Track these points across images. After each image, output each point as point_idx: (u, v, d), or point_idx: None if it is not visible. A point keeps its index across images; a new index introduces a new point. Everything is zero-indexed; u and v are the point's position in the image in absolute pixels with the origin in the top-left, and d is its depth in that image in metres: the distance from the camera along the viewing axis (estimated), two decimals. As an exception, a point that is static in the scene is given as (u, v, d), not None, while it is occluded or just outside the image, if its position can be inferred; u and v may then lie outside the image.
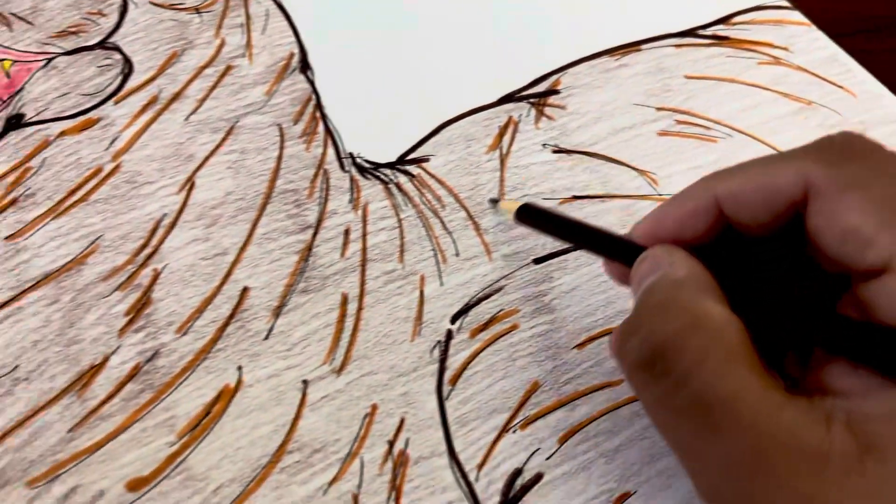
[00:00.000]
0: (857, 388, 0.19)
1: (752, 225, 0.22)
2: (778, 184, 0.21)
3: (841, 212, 0.20)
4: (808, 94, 0.40)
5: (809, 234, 0.21)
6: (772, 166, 0.22)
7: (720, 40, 0.42)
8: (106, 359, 0.29)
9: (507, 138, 0.37)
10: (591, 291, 0.33)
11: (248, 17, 0.39)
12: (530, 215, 0.30)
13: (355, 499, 0.28)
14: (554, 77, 0.40)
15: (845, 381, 0.20)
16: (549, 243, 0.34)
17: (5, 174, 0.32)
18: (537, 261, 0.34)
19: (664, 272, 0.22)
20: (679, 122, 0.39)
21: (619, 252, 0.25)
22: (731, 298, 0.21)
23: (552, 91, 0.39)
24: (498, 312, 0.32)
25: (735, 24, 0.43)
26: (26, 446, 0.27)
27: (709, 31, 0.42)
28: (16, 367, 0.28)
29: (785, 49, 0.42)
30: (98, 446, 0.27)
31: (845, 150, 0.21)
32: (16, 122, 0.34)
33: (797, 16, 0.43)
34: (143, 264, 0.31)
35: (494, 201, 0.34)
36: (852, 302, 0.21)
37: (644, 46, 0.41)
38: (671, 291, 0.21)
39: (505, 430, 0.30)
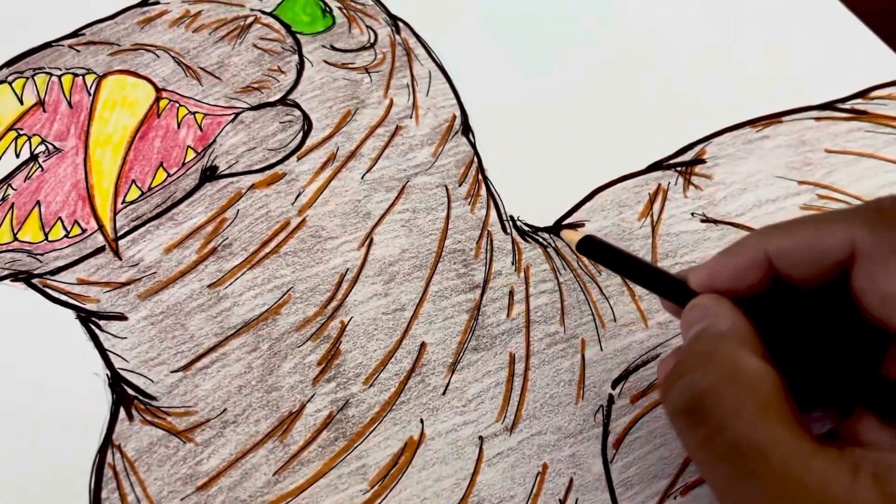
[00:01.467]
0: (886, 441, 0.21)
1: (801, 279, 0.24)
2: (826, 244, 0.23)
3: (884, 277, 0.22)
4: (952, 175, 0.41)
5: (854, 292, 0.23)
6: (822, 227, 0.24)
7: (859, 114, 0.43)
8: (303, 406, 0.31)
9: (657, 206, 0.39)
10: (743, 363, 0.35)
11: (412, 77, 0.41)
12: (592, 248, 0.32)
13: (532, 554, 0.30)
14: (699, 146, 0.41)
15: (876, 434, 0.22)
16: (702, 314, 0.36)
17: (204, 224, 0.35)
18: (691, 330, 0.35)
19: (709, 323, 0.24)
20: (821, 197, 0.40)
21: (673, 293, 0.28)
22: (773, 350, 0.23)
23: (698, 160, 0.41)
24: (655, 380, 0.34)
25: (873, 98, 0.44)
26: (237, 487, 0.30)
27: (847, 105, 0.44)
28: (224, 409, 0.31)
29: (923, 126, 0.43)
30: (300, 489, 0.30)
31: (893, 215, 0.22)
32: (210, 173, 0.36)
33: (934, 92, 0.44)
34: (332, 316, 0.33)
35: (559, 229, 0.36)
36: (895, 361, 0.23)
37: (785, 118, 0.43)
38: (713, 344, 0.23)
39: (666, 495, 0.32)
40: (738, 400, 0.21)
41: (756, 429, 0.21)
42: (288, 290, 0.34)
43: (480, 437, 0.32)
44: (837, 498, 0.20)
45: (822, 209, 0.40)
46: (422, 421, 0.32)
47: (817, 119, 0.43)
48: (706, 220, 0.39)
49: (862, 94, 0.44)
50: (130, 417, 0.30)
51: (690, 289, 0.27)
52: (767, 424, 0.21)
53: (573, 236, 0.33)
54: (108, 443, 0.30)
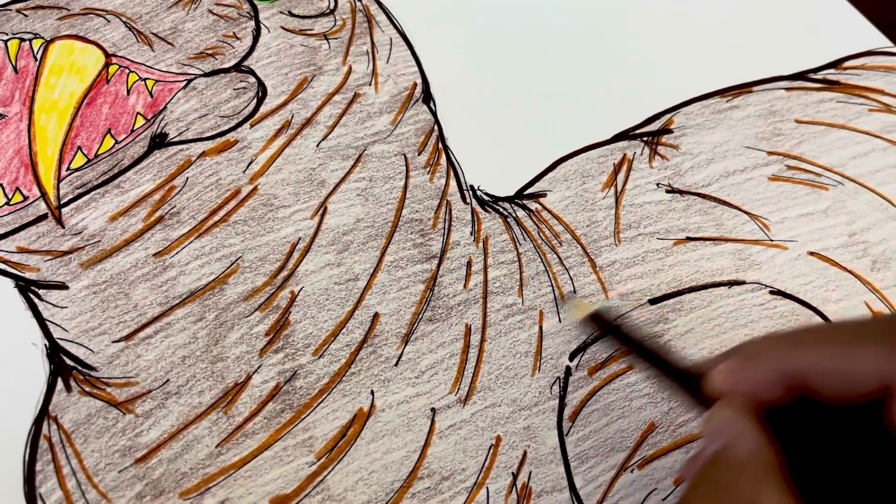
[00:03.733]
0: None
1: (830, 400, 0.22)
2: (859, 373, 0.21)
3: None
4: (923, 146, 0.40)
5: (888, 421, 0.21)
6: (854, 349, 0.22)
7: (831, 85, 0.42)
8: (249, 377, 0.31)
9: (621, 176, 0.38)
10: (706, 334, 0.34)
11: (373, 45, 0.40)
12: (602, 324, 0.30)
13: (482, 527, 0.29)
14: (667, 116, 0.40)
15: None
16: (664, 284, 0.35)
17: (152, 192, 0.34)
18: (653, 301, 0.35)
19: (728, 445, 0.22)
20: (790, 168, 0.39)
21: (692, 390, 0.25)
22: (797, 475, 0.21)
23: (665, 130, 0.40)
24: (615, 352, 0.33)
25: (846, 68, 0.43)
26: (178, 458, 0.29)
27: (819, 75, 0.43)
28: (167, 381, 0.30)
29: (895, 97, 0.42)
30: (244, 462, 0.29)
31: None
32: (160, 140, 0.35)
33: (908, 63, 0.44)
34: (281, 286, 0.33)
35: (564, 299, 0.34)
36: None
37: (755, 88, 0.42)
38: (731, 476, 0.22)
39: (623, 468, 0.31)
40: None
41: None
42: (237, 260, 0.33)
43: (433, 409, 0.31)
44: None
45: (790, 180, 0.39)
46: (372, 392, 0.31)
47: (788, 89, 0.42)
48: (672, 190, 0.38)
49: (834, 65, 0.43)
50: (68, 388, 0.29)
51: (707, 391, 0.24)
52: None
53: (580, 313, 0.31)
54: (44, 414, 0.29)
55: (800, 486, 0.21)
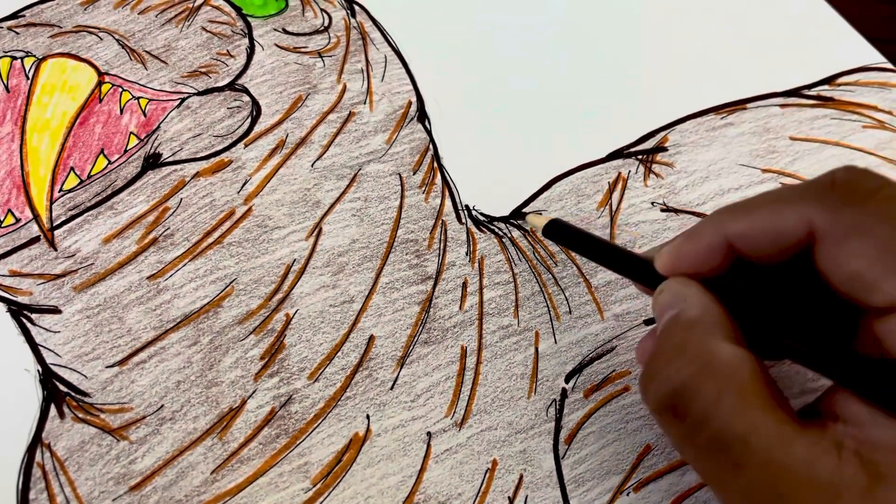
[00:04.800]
0: (865, 416, 0.21)
1: (762, 259, 0.24)
2: (784, 227, 0.23)
3: (844, 257, 0.21)
4: (916, 164, 0.40)
5: (819, 270, 0.23)
6: (777, 208, 0.23)
7: (825, 101, 0.42)
8: (244, 402, 0.30)
9: (616, 195, 0.38)
10: (701, 356, 0.34)
11: (367, 62, 0.40)
12: (558, 231, 0.31)
13: (478, 553, 0.29)
14: (661, 134, 0.40)
15: (854, 409, 0.21)
16: (659, 305, 0.35)
17: (145, 213, 0.34)
18: (648, 322, 0.35)
19: (679, 311, 0.24)
20: (784, 186, 0.39)
21: (640, 275, 0.27)
22: (745, 330, 0.23)
23: (660, 148, 0.40)
24: (611, 373, 0.33)
25: (840, 84, 0.43)
26: (173, 486, 0.29)
27: (813, 92, 0.43)
28: (161, 406, 0.30)
29: (890, 113, 0.42)
30: (239, 489, 0.29)
31: (847, 192, 0.22)
32: (153, 161, 0.35)
33: (902, 79, 0.44)
34: (276, 309, 0.32)
35: (523, 215, 0.36)
36: (868, 334, 0.22)
37: (749, 105, 0.42)
38: (684, 334, 0.23)
39: (619, 491, 0.31)
40: (716, 390, 0.21)
41: (736, 418, 0.21)
42: (231, 282, 0.33)
43: (429, 433, 0.31)
44: (824, 480, 0.19)
45: (785, 198, 0.39)
46: (368, 417, 0.31)
47: (782, 106, 0.42)
48: (666, 209, 0.38)
49: (828, 81, 0.43)
50: (62, 415, 0.29)
51: (657, 272, 0.26)
52: (748, 412, 0.21)
53: (539, 221, 0.33)
54: (37, 441, 0.29)
55: (747, 340, 0.23)
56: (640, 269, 0.27)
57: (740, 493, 0.21)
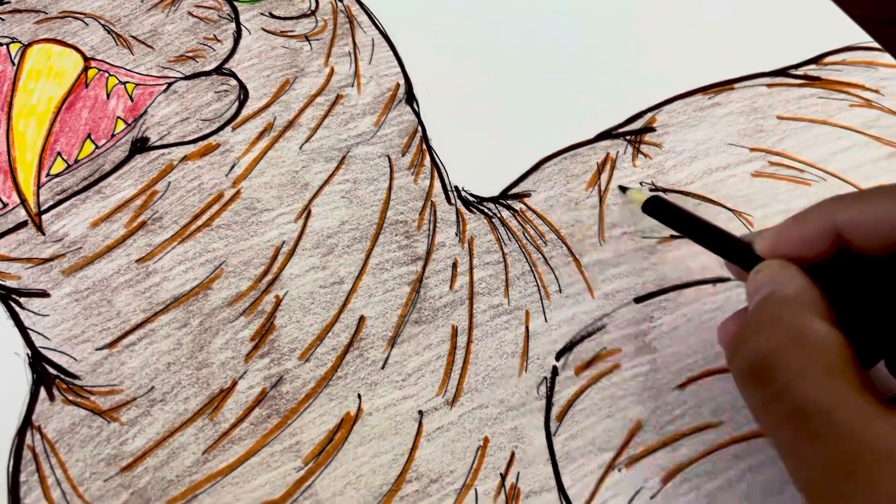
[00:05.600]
0: None
1: (869, 249, 0.24)
2: (893, 223, 0.23)
3: None
4: (903, 140, 0.40)
5: None
6: (892, 199, 0.23)
7: (812, 80, 0.43)
8: (234, 383, 0.30)
9: (605, 175, 0.38)
10: (691, 332, 0.34)
11: (354, 45, 0.40)
12: (658, 208, 0.31)
13: (471, 529, 0.29)
14: (650, 114, 0.40)
15: None
16: (649, 282, 0.35)
17: (134, 197, 0.34)
18: (638, 300, 0.35)
19: (776, 288, 0.24)
20: (772, 164, 0.39)
21: (738, 257, 0.27)
22: (840, 316, 0.23)
23: (648, 128, 0.40)
24: (601, 351, 0.33)
25: (826, 64, 0.43)
26: (164, 466, 0.29)
27: (800, 71, 0.43)
28: (152, 388, 0.30)
29: (876, 92, 0.42)
30: (231, 469, 0.29)
31: None
32: (141, 145, 0.35)
33: (888, 58, 0.44)
34: (266, 290, 0.32)
35: (623, 189, 0.36)
36: None
37: (737, 85, 0.42)
38: (779, 308, 0.23)
39: (610, 468, 0.31)
40: (804, 362, 0.21)
41: (821, 390, 0.21)
42: (220, 265, 0.33)
43: (420, 412, 0.31)
44: None
45: (773, 176, 0.39)
46: (359, 396, 0.31)
47: (769, 86, 0.42)
48: (655, 188, 0.38)
49: (815, 60, 0.43)
50: (52, 397, 0.29)
51: (756, 253, 0.26)
52: (833, 386, 0.21)
53: (639, 196, 0.32)
54: (27, 424, 0.29)
55: (843, 329, 0.23)
56: (739, 251, 0.27)
57: (815, 465, 0.21)
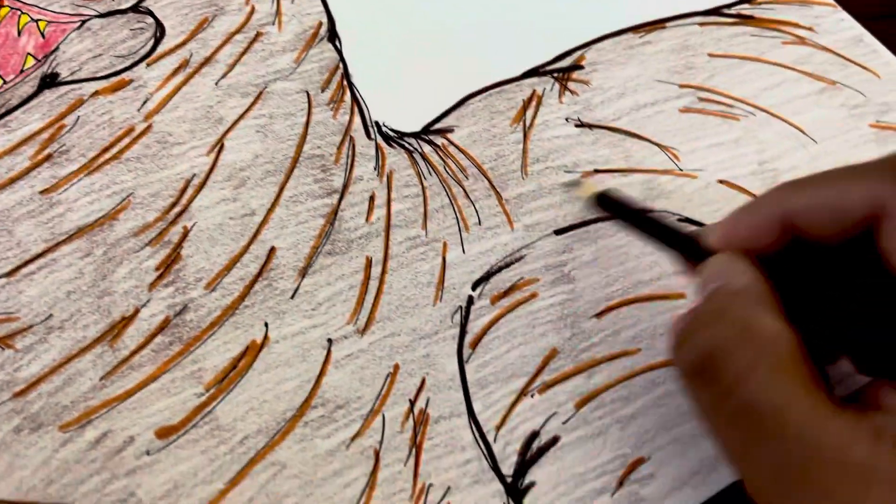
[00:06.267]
0: None
1: (822, 237, 0.23)
2: (849, 203, 0.22)
3: None
4: (832, 74, 0.40)
5: (881, 250, 0.22)
6: (843, 184, 0.22)
7: (745, 19, 0.42)
8: (137, 311, 0.30)
9: (530, 112, 0.38)
10: (611, 263, 0.34)
11: (277, -16, 0.39)
12: (608, 203, 0.30)
13: (377, 454, 0.29)
14: (578, 53, 0.40)
15: None
16: (569, 215, 0.35)
17: (40, 131, 0.33)
18: (558, 232, 0.34)
19: (724, 282, 0.23)
20: (702, 100, 0.39)
21: (688, 251, 0.26)
22: (790, 309, 0.22)
23: (576, 66, 0.39)
24: (518, 281, 0.33)
25: (760, 3, 0.43)
26: (59, 392, 0.28)
27: (733, 10, 0.43)
28: (49, 315, 0.29)
29: (810, 29, 0.42)
30: (129, 394, 0.28)
31: None
32: (50, 80, 0.34)
33: (823, -3, 0.43)
34: (173, 222, 0.32)
35: (571, 184, 0.34)
36: None
37: (668, 24, 0.42)
38: (726, 301, 0.22)
39: (523, 393, 0.30)
40: (752, 358, 0.20)
41: (771, 388, 0.20)
42: (128, 196, 0.32)
43: (329, 340, 0.31)
44: (857, 462, 0.19)
45: (702, 111, 0.39)
46: (266, 325, 0.30)
47: (702, 24, 0.42)
48: (581, 124, 0.38)
49: (748, 0, 0.43)
50: (-55, 325, 0.29)
51: (706, 247, 0.25)
52: (783, 384, 0.20)
53: (589, 189, 0.31)
54: (-82, 351, 0.28)
55: (794, 322, 0.22)
56: (688, 246, 0.26)
57: (764, 466, 0.20)
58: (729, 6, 0.43)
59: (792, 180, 0.24)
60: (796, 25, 0.42)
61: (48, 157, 0.32)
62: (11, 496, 0.26)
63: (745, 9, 0.43)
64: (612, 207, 0.30)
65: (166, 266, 0.31)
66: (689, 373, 0.22)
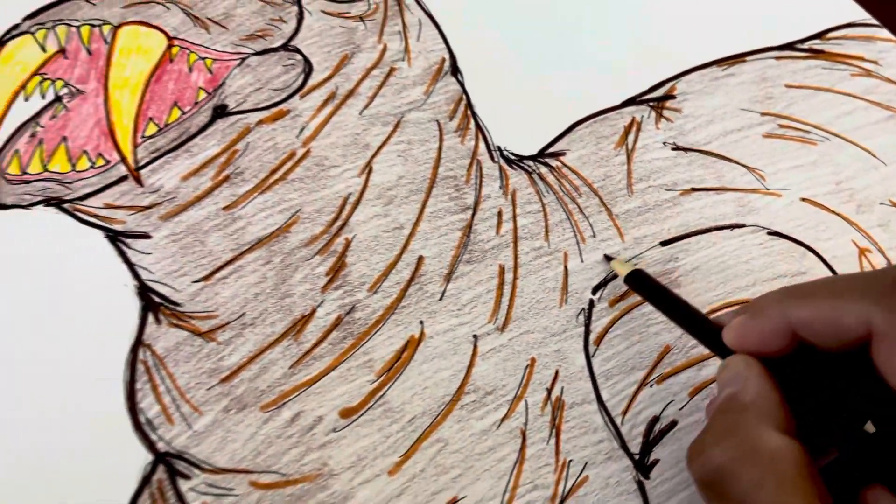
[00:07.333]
0: None
1: (825, 346, 0.25)
2: (844, 321, 0.24)
3: None
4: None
5: (874, 363, 0.24)
6: (839, 301, 0.25)
7: (816, 53, 0.47)
8: (313, 310, 0.35)
9: (631, 136, 0.42)
10: (711, 271, 0.38)
11: (404, 25, 0.44)
12: (638, 283, 0.34)
13: (523, 434, 0.33)
14: (670, 83, 0.45)
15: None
16: (674, 228, 0.39)
17: (217, 155, 0.38)
18: (664, 243, 0.39)
19: (736, 391, 0.25)
20: (782, 126, 0.44)
21: (709, 342, 0.29)
22: (802, 413, 0.25)
23: (669, 96, 0.44)
24: (632, 286, 0.37)
25: (829, 39, 0.48)
26: (257, 378, 0.33)
27: (806, 45, 0.47)
28: (242, 314, 0.34)
29: (875, 62, 0.47)
30: (314, 381, 0.33)
31: None
32: (221, 111, 0.40)
33: (885, 33, 0.48)
34: (336, 234, 0.37)
35: (608, 258, 0.38)
36: None
37: (748, 58, 0.46)
38: (735, 417, 0.24)
39: (643, 383, 0.35)
40: (758, 477, 0.22)
41: None
42: (296, 212, 0.37)
43: (475, 336, 0.35)
44: None
45: (782, 136, 0.43)
46: (421, 322, 0.35)
47: (778, 58, 0.47)
48: (676, 148, 0.42)
49: (819, 36, 0.48)
50: (158, 321, 0.34)
51: (725, 346, 0.28)
52: (787, 500, 0.21)
53: (622, 269, 0.35)
54: (138, 343, 0.33)
55: (800, 425, 0.24)
56: (710, 336, 0.29)
57: None
58: (801, 41, 0.47)
59: (794, 287, 0.27)
60: (862, 59, 0.47)
61: (226, 178, 0.38)
62: (227, 465, 0.31)
63: (816, 44, 0.47)
64: (642, 287, 0.33)
65: (334, 272, 0.36)
66: (701, 486, 0.24)
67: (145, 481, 0.30)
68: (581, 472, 0.33)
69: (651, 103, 0.44)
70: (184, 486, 0.31)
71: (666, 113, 0.44)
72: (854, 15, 0.49)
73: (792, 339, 0.25)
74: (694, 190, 0.41)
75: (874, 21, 0.49)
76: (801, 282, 0.27)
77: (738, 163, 0.42)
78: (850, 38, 0.48)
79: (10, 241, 0.35)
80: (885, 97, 0.45)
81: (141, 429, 0.31)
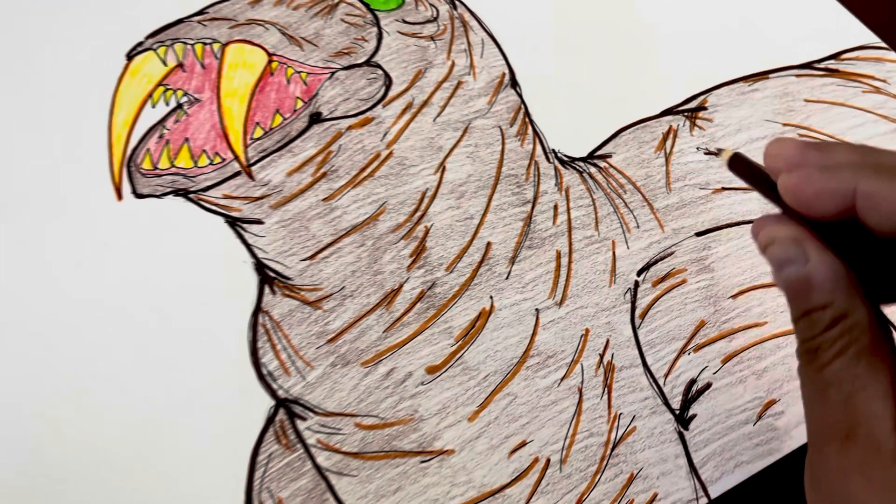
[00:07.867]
0: None
1: (878, 228, 0.23)
2: None
3: None
4: (906, 116, 0.50)
5: None
6: None
7: (832, 72, 0.53)
8: (401, 286, 0.41)
9: (669, 142, 0.49)
10: (740, 258, 0.44)
11: (469, 44, 0.51)
12: (738, 164, 0.32)
13: (580, 391, 0.39)
14: (702, 97, 0.51)
15: None
16: (707, 221, 0.45)
17: (315, 155, 0.45)
18: (699, 234, 0.45)
19: (807, 273, 0.23)
20: (801, 136, 0.50)
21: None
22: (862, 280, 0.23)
23: (701, 108, 0.50)
24: (671, 270, 0.43)
25: (843, 59, 0.54)
26: (357, 340, 0.39)
27: (822, 65, 0.53)
28: (343, 287, 0.41)
29: (884, 81, 0.53)
30: (404, 343, 0.39)
31: None
32: (316, 118, 0.46)
33: (894, 55, 0.54)
34: (417, 223, 0.43)
35: (719, 151, 0.41)
36: None
37: (772, 75, 0.52)
38: (849, 334, 0.23)
39: (682, 351, 0.41)
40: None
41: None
42: (383, 204, 0.43)
43: (537, 309, 0.41)
44: None
45: (801, 144, 0.49)
46: (491, 297, 0.41)
47: (798, 76, 0.53)
48: (709, 152, 0.48)
49: (834, 57, 0.54)
50: (273, 292, 0.40)
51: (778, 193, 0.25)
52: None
53: (725, 154, 0.33)
54: (258, 309, 0.39)
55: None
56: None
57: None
58: (819, 61, 0.53)
59: (871, 151, 0.24)
60: (873, 78, 0.53)
61: (324, 174, 0.44)
62: (335, 409, 0.37)
63: (831, 64, 0.53)
64: (741, 169, 0.32)
65: (417, 254, 0.42)
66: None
67: (269, 421, 0.37)
68: (630, 424, 0.39)
69: (686, 113, 0.50)
70: (301, 425, 0.37)
71: (699, 122, 0.50)
72: (866, 39, 0.55)
73: (849, 208, 0.23)
74: (724, 189, 0.47)
75: (884, 45, 0.55)
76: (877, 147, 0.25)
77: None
78: (862, 59, 0.54)
79: (147, 224, 0.42)
80: (893, 112, 0.51)
81: (263, 379, 0.38)
